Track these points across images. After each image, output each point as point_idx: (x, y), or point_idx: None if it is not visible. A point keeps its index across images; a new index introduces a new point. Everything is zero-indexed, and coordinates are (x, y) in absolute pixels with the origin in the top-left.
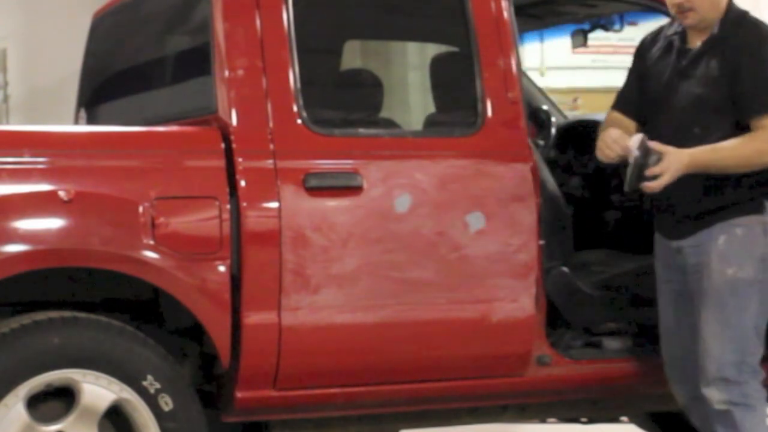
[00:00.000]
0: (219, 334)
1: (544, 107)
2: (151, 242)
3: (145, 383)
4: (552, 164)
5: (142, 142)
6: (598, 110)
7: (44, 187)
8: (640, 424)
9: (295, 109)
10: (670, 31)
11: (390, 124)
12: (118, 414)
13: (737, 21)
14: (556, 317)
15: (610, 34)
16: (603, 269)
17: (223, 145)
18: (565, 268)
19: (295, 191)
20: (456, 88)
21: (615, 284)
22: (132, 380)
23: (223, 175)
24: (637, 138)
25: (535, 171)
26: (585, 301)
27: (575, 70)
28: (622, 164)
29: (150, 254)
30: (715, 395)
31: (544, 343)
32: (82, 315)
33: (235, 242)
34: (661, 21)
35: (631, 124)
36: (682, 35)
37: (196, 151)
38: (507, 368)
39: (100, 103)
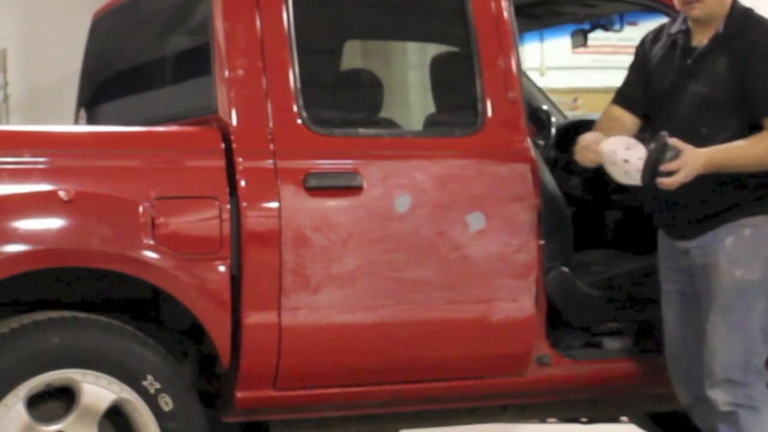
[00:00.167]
0: (219, 334)
1: (544, 107)
2: (151, 242)
3: (145, 383)
4: (552, 164)
5: (142, 142)
6: (598, 110)
7: (44, 187)
8: (640, 424)
9: (295, 109)
10: (674, 29)
11: (390, 124)
12: (118, 414)
13: (743, 19)
14: (556, 317)
15: (610, 34)
16: (603, 269)
17: (223, 145)
18: (565, 268)
19: (295, 191)
20: (456, 88)
21: (615, 284)
22: (132, 380)
23: (223, 175)
24: (613, 140)
25: (535, 171)
26: (585, 301)
27: (575, 70)
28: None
29: (150, 254)
30: (720, 397)
31: (544, 343)
32: (82, 315)
33: (235, 242)
34: (661, 21)
35: (630, 120)
36: (686, 33)
37: (196, 151)
38: (507, 368)
39: (100, 103)
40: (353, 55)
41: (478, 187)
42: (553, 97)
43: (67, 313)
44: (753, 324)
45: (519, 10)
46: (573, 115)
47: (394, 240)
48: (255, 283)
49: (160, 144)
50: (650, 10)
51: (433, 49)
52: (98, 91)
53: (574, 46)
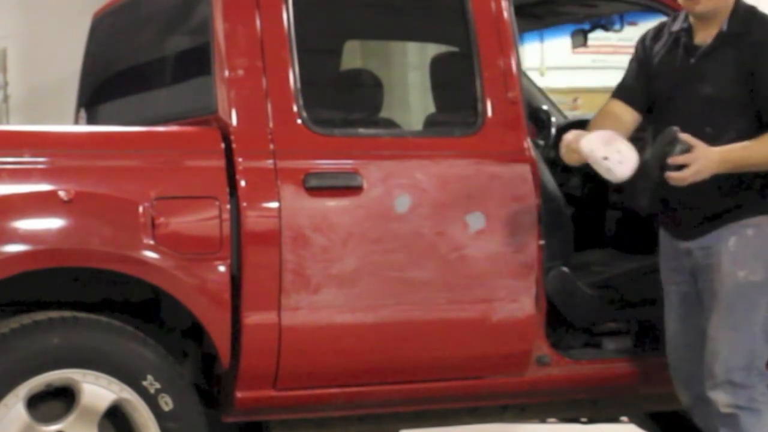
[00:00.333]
0: (219, 334)
1: (544, 107)
2: (151, 242)
3: (145, 383)
4: (552, 164)
5: (142, 142)
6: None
7: (44, 187)
8: (640, 424)
9: (295, 109)
10: (675, 27)
11: (390, 124)
12: (118, 414)
13: (747, 16)
14: (556, 317)
15: (610, 34)
16: (603, 269)
17: (223, 145)
18: (565, 268)
19: (295, 191)
20: (456, 88)
21: (615, 284)
22: (132, 380)
23: (223, 175)
24: (592, 137)
25: (535, 171)
26: (585, 301)
27: (575, 70)
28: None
29: (150, 254)
30: (721, 398)
31: (544, 343)
32: (82, 315)
33: (235, 242)
34: (661, 21)
35: (630, 115)
36: (688, 31)
37: (196, 151)
38: (507, 368)
39: (100, 103)
40: (353, 55)
41: (478, 187)
42: (553, 97)
43: (67, 313)
44: (755, 325)
45: (519, 10)
46: (573, 115)
47: (394, 240)
48: (255, 283)
49: (160, 144)
50: (650, 10)
51: (433, 49)
52: (98, 91)
53: (574, 46)
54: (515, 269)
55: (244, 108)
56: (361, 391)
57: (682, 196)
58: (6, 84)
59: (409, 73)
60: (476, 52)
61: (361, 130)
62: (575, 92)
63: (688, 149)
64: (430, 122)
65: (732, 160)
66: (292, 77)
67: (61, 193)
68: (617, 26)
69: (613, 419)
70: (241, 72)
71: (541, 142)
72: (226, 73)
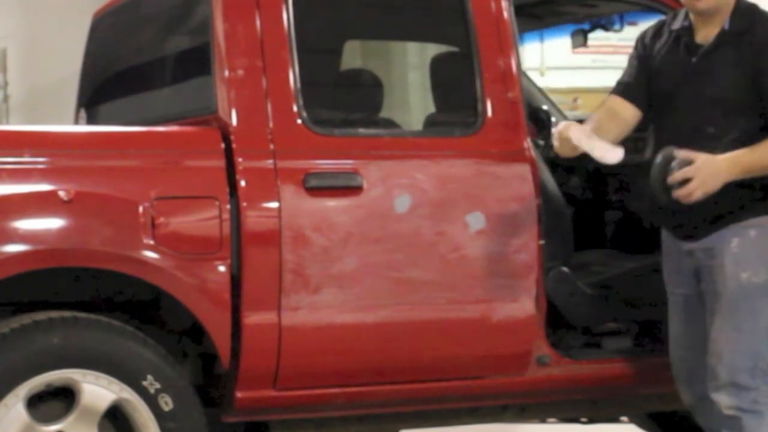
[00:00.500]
0: (219, 334)
1: (544, 107)
2: (151, 242)
3: (145, 383)
4: (552, 164)
5: (142, 142)
6: None
7: (44, 187)
8: (640, 424)
9: (295, 109)
10: (676, 26)
11: (390, 124)
12: (118, 414)
13: (749, 14)
14: (556, 317)
15: (610, 34)
16: (603, 269)
17: (223, 145)
18: (565, 268)
19: (295, 191)
20: (456, 88)
21: (615, 284)
22: (132, 380)
23: (223, 175)
24: (576, 130)
25: (535, 171)
26: (585, 301)
27: (575, 70)
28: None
29: (150, 254)
30: (724, 400)
31: (544, 343)
32: (82, 315)
33: (235, 242)
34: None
35: (631, 112)
36: (689, 30)
37: (196, 151)
38: (507, 368)
39: (100, 103)
40: (353, 55)
41: (478, 187)
42: (553, 97)
43: (67, 313)
44: (759, 327)
45: (519, 10)
46: (573, 115)
47: (394, 240)
48: (255, 283)
49: (160, 144)
50: (650, 9)
51: (433, 49)
52: (98, 91)
53: (574, 46)
54: (515, 269)
55: (244, 108)
56: (361, 391)
57: None
58: (6, 84)
59: (409, 73)
60: (476, 52)
61: (361, 130)
62: (575, 92)
63: (688, 164)
64: (430, 122)
65: (741, 164)
66: (292, 77)
67: (61, 193)
68: (617, 26)
69: (613, 419)
70: (241, 72)
71: (541, 142)
72: (226, 73)
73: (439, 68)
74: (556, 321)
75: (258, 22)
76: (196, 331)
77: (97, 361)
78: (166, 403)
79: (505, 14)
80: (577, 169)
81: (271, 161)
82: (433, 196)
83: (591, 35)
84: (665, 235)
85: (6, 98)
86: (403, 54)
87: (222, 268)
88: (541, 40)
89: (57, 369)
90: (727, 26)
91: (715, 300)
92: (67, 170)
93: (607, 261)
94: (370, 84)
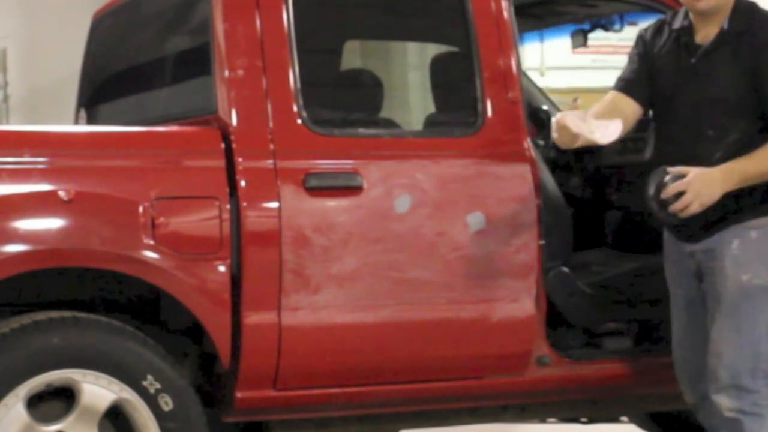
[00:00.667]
0: (219, 334)
1: (544, 107)
2: (151, 242)
3: (145, 383)
4: (552, 164)
5: (142, 142)
6: None
7: (44, 187)
8: (640, 424)
9: (295, 109)
10: (676, 25)
11: (390, 124)
12: (118, 414)
13: (748, 15)
14: (556, 317)
15: (610, 34)
16: (603, 269)
17: (223, 145)
18: (565, 268)
19: (295, 191)
20: (456, 88)
21: (615, 284)
22: (132, 380)
23: (223, 175)
24: (571, 116)
25: (535, 171)
26: (585, 301)
27: (575, 70)
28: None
29: (150, 254)
30: (725, 402)
31: (544, 343)
32: (82, 315)
33: (235, 242)
34: None
35: (631, 107)
36: (689, 29)
37: (196, 151)
38: (507, 368)
39: (100, 103)
40: (353, 55)
41: (478, 187)
42: (553, 97)
43: (67, 313)
44: (760, 328)
45: (519, 10)
46: None
47: (394, 240)
48: (255, 283)
49: (160, 144)
50: (650, 10)
51: (433, 49)
52: (98, 91)
53: (574, 46)
54: (515, 269)
55: (244, 108)
56: (361, 391)
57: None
58: (6, 84)
59: (409, 73)
60: (476, 52)
61: (361, 130)
62: (575, 92)
63: (681, 178)
64: (430, 122)
65: (737, 171)
66: (292, 77)
67: (61, 193)
68: (617, 26)
69: (613, 419)
70: (241, 72)
71: (541, 142)
72: (226, 73)
73: (439, 68)
74: (556, 321)
75: (258, 22)
76: (196, 331)
77: (97, 361)
78: (166, 403)
79: (505, 14)
80: (577, 169)
81: (271, 161)
82: (433, 196)
83: (591, 35)
84: (666, 237)
85: (6, 98)
86: (403, 54)
87: (222, 268)
88: (541, 40)
89: (57, 369)
90: (726, 26)
91: (715, 301)
92: (67, 170)
93: (607, 261)
94: (370, 84)
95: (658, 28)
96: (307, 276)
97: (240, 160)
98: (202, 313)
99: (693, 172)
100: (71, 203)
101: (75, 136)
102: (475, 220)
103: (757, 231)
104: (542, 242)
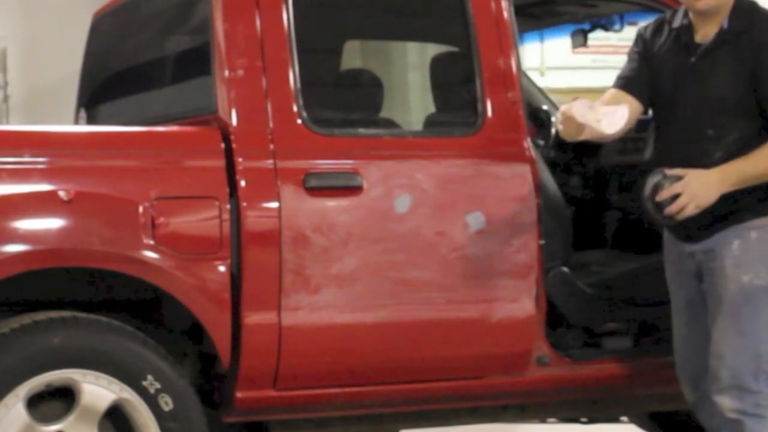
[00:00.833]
0: (219, 334)
1: (544, 107)
2: (151, 242)
3: (145, 383)
4: (552, 164)
5: (142, 142)
6: None
7: (44, 187)
8: (640, 424)
9: (295, 109)
10: (675, 24)
11: (390, 124)
12: (118, 414)
13: (748, 14)
14: (556, 317)
15: (610, 34)
16: (603, 269)
17: (223, 145)
18: (565, 268)
19: (295, 191)
20: (456, 88)
21: (615, 284)
22: (132, 380)
23: (223, 175)
24: (578, 104)
25: (535, 171)
26: (585, 301)
27: (575, 70)
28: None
29: (150, 254)
30: (727, 403)
31: (544, 343)
32: (82, 315)
33: (235, 242)
34: None
35: (632, 105)
36: (688, 28)
37: (196, 151)
38: (507, 368)
39: (100, 103)
40: (353, 55)
41: (478, 187)
42: (553, 97)
43: (67, 313)
44: (761, 329)
45: (519, 10)
46: None
47: (394, 240)
48: (255, 283)
49: (160, 144)
50: (650, 10)
51: (433, 49)
52: (98, 91)
53: (574, 46)
54: (515, 269)
55: (244, 108)
56: (361, 391)
57: None
58: (6, 84)
59: (409, 73)
60: (476, 52)
61: (361, 130)
62: (575, 92)
63: (677, 180)
64: (430, 122)
65: (734, 173)
66: (292, 77)
67: (61, 193)
68: (617, 26)
69: (613, 419)
70: (241, 72)
71: (541, 142)
72: (226, 73)
73: (439, 68)
74: (556, 321)
75: (258, 22)
76: (196, 331)
77: (97, 361)
78: (166, 403)
79: (505, 14)
80: (577, 169)
81: (271, 161)
82: (433, 196)
83: (591, 35)
84: (666, 237)
85: (6, 98)
86: (403, 54)
87: (222, 268)
88: (541, 40)
89: (57, 369)
90: (726, 25)
91: (716, 302)
92: (67, 170)
93: (607, 261)
94: (370, 84)
95: (657, 27)
96: (307, 276)
97: (240, 160)
98: (202, 313)
99: (689, 174)
100: (71, 203)
101: (75, 136)
102: (475, 220)
103: (757, 231)
104: (542, 242)
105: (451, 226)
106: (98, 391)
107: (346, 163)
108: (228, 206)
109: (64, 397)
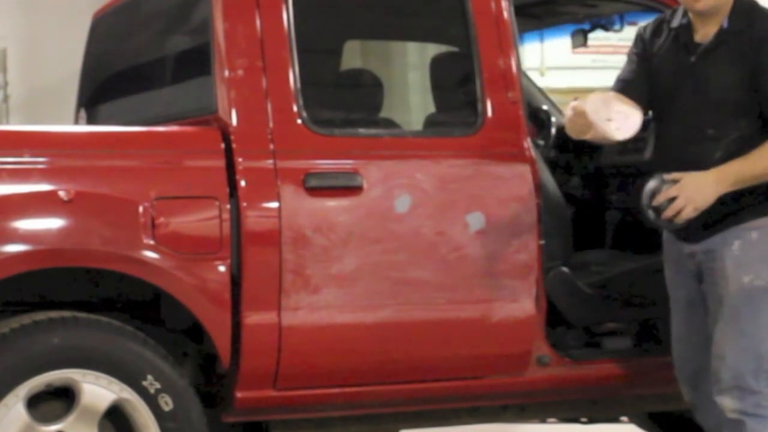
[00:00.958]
0: (219, 334)
1: (544, 107)
2: (152, 242)
3: (145, 383)
4: (552, 164)
5: (142, 142)
6: None
7: (44, 187)
8: (640, 424)
9: (295, 109)
10: (675, 23)
11: (390, 124)
12: (118, 414)
13: (748, 14)
14: (556, 317)
15: (610, 34)
16: (603, 269)
17: (223, 145)
18: (565, 268)
19: (295, 191)
20: (456, 88)
21: (615, 284)
22: (132, 380)
23: (223, 175)
24: (592, 100)
25: (535, 171)
26: (585, 301)
27: (575, 70)
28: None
29: (150, 254)
30: (728, 404)
31: (544, 343)
32: (82, 315)
33: (235, 242)
34: None
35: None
36: (688, 28)
37: (196, 151)
38: (507, 368)
39: (100, 103)
40: (353, 55)
41: (478, 187)
42: (553, 97)
43: (67, 313)
44: (762, 329)
45: (519, 10)
46: None
47: (394, 240)
48: (255, 283)
49: (160, 144)
50: (650, 10)
51: (433, 49)
52: (98, 91)
53: (574, 46)
54: (515, 269)
55: (244, 108)
56: (361, 391)
57: None
58: (6, 84)
59: (409, 73)
60: (476, 52)
61: (361, 130)
62: (575, 92)
63: (674, 183)
64: (430, 122)
65: (731, 173)
66: (292, 77)
67: (61, 193)
68: (617, 26)
69: (613, 419)
70: (241, 72)
71: (541, 142)
72: (226, 73)
73: (439, 68)
74: (556, 321)
75: (258, 22)
76: (196, 331)
77: (97, 361)
78: (166, 403)
79: (505, 14)
80: (577, 169)
81: (271, 161)
82: (433, 196)
83: (591, 35)
84: (666, 237)
85: (6, 98)
86: (403, 54)
87: (222, 268)
88: (541, 40)
89: (57, 369)
90: (726, 25)
91: (717, 302)
92: (67, 170)
93: (607, 261)
94: (370, 84)
95: (656, 27)
96: (307, 276)
97: (240, 160)
98: (202, 313)
99: (685, 177)
100: (71, 203)
101: (75, 136)
102: (475, 220)
103: (757, 231)
104: (542, 242)
105: (451, 226)
106: (98, 391)
107: (346, 163)
108: (228, 206)
109: (64, 397)
